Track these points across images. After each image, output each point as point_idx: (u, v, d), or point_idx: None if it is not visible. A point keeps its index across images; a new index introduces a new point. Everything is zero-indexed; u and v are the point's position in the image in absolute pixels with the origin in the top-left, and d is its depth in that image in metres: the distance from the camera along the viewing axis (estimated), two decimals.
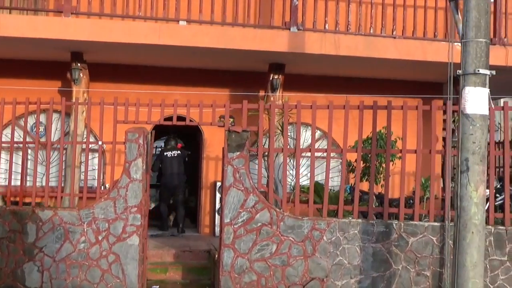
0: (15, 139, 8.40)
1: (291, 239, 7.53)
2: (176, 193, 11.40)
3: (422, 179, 8.28)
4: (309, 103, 7.80)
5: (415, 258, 7.38)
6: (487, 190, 7.90)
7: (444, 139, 11.15)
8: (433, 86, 10.96)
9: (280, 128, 9.13)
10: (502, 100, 18.01)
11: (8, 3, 9.42)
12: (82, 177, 8.92)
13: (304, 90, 10.43)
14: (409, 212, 7.63)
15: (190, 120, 8.17)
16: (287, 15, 9.50)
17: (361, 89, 10.20)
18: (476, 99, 5.54)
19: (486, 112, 5.57)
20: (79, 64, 9.78)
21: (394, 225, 7.42)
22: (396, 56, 9.51)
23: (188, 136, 13.18)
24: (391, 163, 8.26)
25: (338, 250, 7.48)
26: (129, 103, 8.06)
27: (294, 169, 8.38)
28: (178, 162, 11.34)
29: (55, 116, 9.70)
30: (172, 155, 11.33)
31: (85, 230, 7.74)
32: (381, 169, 8.43)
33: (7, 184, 8.38)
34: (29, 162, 9.00)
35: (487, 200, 7.86)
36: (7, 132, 9.04)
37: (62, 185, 8.67)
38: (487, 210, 7.53)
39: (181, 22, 9.17)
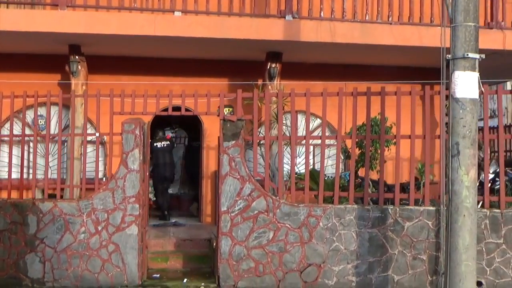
0: (18, 133, 8.49)
1: (288, 226, 7.60)
2: (167, 183, 11.62)
3: (419, 164, 8.31)
4: (308, 91, 7.84)
5: (411, 242, 7.43)
6: (483, 174, 7.97)
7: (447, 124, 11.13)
8: (431, 71, 10.91)
9: (275, 116, 9.16)
10: (508, 84, 17.95)
11: None
12: (88, 168, 9.03)
13: (302, 78, 10.44)
14: (405, 197, 7.67)
15: (186, 110, 8.23)
16: (283, 3, 9.49)
17: (359, 76, 10.19)
18: (465, 83, 5.56)
19: (476, 96, 5.59)
20: (77, 57, 9.84)
21: (389, 210, 7.47)
22: (392, 42, 9.50)
23: (192, 127, 13.26)
24: (386, 149, 8.30)
25: (335, 236, 7.55)
26: (125, 94, 8.13)
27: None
28: (168, 153, 11.46)
29: (56, 109, 9.78)
30: (162, 145, 11.44)
31: (85, 220, 7.84)
32: (376, 155, 8.45)
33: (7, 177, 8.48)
34: (31, 155, 9.09)
35: (482, 183, 7.91)
36: (9, 125, 9.13)
37: (63, 177, 8.76)
38: (483, 194, 7.58)
39: (176, 13, 9.19)
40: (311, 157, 10.70)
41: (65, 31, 9.02)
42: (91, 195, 7.91)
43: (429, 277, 7.40)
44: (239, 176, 7.68)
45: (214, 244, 8.33)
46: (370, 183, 8.54)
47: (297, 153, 10.61)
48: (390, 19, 9.71)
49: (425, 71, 10.57)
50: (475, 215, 5.60)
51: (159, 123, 12.43)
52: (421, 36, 9.37)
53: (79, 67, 9.87)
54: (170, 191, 12.37)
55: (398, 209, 7.48)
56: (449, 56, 5.64)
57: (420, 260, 7.42)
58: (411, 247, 7.43)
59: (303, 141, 8.22)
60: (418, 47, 9.51)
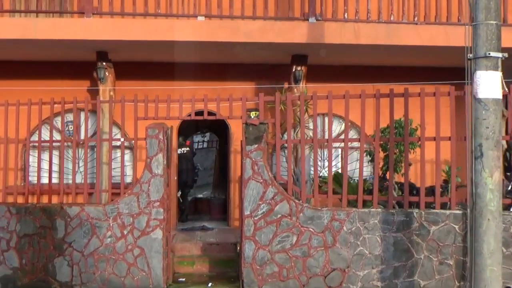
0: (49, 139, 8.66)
1: (311, 230, 7.54)
2: (187, 189, 11.79)
3: (446, 166, 8.14)
4: (337, 93, 7.77)
5: (437, 247, 7.28)
6: None
7: None
8: (458, 71, 10.67)
9: (299, 119, 9.12)
10: None
11: (35, 7, 9.67)
12: (114, 173, 9.17)
13: (328, 81, 10.37)
14: (431, 200, 7.52)
15: (208, 114, 8.26)
16: (306, 6, 9.45)
17: (385, 77, 10.07)
18: (488, 83, 5.43)
19: (499, 96, 5.45)
20: (104, 63, 9.99)
21: (414, 214, 7.33)
22: (418, 42, 9.32)
23: (223, 131, 13.31)
24: (411, 151, 8.16)
25: (359, 240, 7.45)
26: (148, 99, 8.21)
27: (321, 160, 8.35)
28: (187, 159, 11.54)
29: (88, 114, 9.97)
30: (182, 151, 11.51)
31: (111, 225, 7.94)
32: (401, 158, 8.31)
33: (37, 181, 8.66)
34: (64, 160, 9.24)
35: None
36: (44, 131, 9.32)
37: (89, 181, 8.88)
38: None
39: (199, 18, 9.24)
40: (339, 160, 10.61)
41: (92, 38, 9.17)
42: (117, 200, 8.01)
43: (456, 283, 7.23)
44: (262, 180, 7.66)
45: (238, 248, 8.32)
46: (396, 186, 8.41)
47: (323, 156, 10.56)
48: (416, 19, 9.56)
49: (452, 71, 10.33)
50: (500, 218, 5.44)
51: (188, 127, 12.54)
52: (448, 36, 9.18)
53: (107, 73, 10.02)
54: (201, 195, 12.47)
55: (423, 212, 7.33)
56: (470, 55, 5.51)
57: (447, 265, 7.26)
58: (437, 252, 7.28)
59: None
60: (444, 47, 9.31)
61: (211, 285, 8.23)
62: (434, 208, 7.46)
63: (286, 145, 8.46)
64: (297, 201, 7.63)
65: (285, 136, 8.60)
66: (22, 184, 9.51)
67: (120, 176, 8.29)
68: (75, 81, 10.68)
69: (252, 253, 7.62)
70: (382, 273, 7.39)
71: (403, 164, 8.16)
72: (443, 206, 7.56)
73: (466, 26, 6.04)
